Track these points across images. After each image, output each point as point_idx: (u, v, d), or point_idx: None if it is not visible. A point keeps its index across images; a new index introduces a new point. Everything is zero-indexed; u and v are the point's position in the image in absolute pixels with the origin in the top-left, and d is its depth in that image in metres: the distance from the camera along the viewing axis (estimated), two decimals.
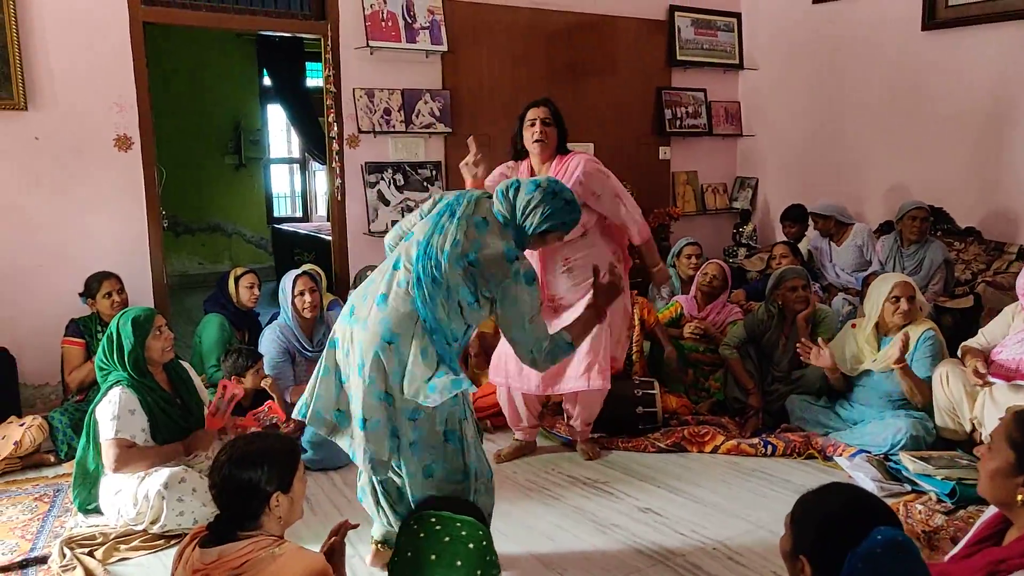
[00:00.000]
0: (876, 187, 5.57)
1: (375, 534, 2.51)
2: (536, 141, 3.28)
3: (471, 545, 1.32)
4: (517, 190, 2.36)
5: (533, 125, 3.30)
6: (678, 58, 6.10)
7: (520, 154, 3.41)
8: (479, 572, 1.31)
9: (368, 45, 4.79)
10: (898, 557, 1.30)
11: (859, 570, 1.31)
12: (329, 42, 4.78)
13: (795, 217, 5.50)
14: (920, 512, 2.88)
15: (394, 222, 4.98)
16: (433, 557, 1.32)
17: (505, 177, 3.36)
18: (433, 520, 1.36)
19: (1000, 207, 5.02)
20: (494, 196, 2.39)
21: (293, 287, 3.77)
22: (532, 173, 3.39)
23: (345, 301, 4.80)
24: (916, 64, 5.35)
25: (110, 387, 2.89)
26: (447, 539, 1.33)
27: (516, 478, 3.44)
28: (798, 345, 3.71)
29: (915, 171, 5.43)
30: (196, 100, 8.70)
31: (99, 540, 2.80)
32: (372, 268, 4.44)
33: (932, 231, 4.89)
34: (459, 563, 1.31)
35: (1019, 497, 1.60)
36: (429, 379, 2.16)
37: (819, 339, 3.74)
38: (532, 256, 3.31)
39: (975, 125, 5.08)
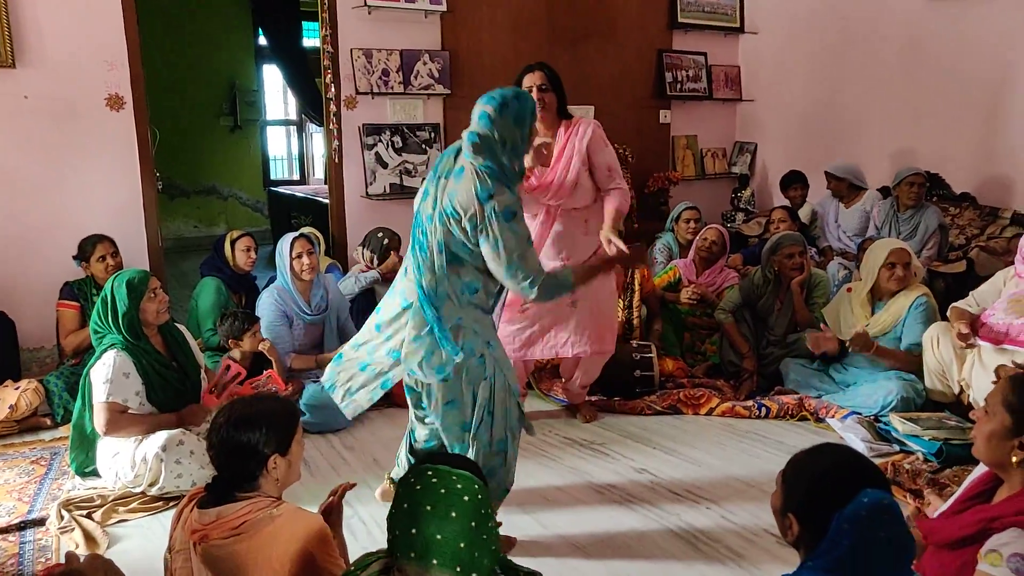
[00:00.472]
0: (874, 153, 5.54)
1: (392, 473, 2.77)
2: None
3: (466, 498, 1.34)
4: (478, 136, 2.25)
5: (530, 92, 3.22)
6: (679, 21, 6.03)
7: None
8: (473, 524, 1.33)
9: (366, 4, 4.72)
10: (882, 519, 1.33)
11: (844, 531, 1.33)
12: (326, 1, 4.70)
13: (800, 181, 5.50)
14: (907, 471, 2.92)
15: (392, 184, 5.00)
16: (428, 508, 1.34)
17: None
18: (430, 473, 1.38)
19: (995, 173, 5.01)
20: (464, 153, 2.31)
21: (291, 250, 3.76)
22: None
23: (343, 265, 4.84)
24: (918, 31, 5.28)
25: (105, 350, 2.88)
26: (443, 491, 1.35)
27: None
28: (808, 340, 3.69)
29: (913, 137, 5.39)
30: (189, 60, 8.60)
31: (97, 502, 2.83)
32: (382, 230, 4.46)
33: (928, 196, 4.89)
34: (454, 514, 1.33)
35: (1014, 459, 1.62)
36: (416, 347, 2.32)
37: (822, 324, 3.76)
38: (539, 222, 3.27)
39: (974, 93, 5.05)
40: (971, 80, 5.04)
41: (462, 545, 1.32)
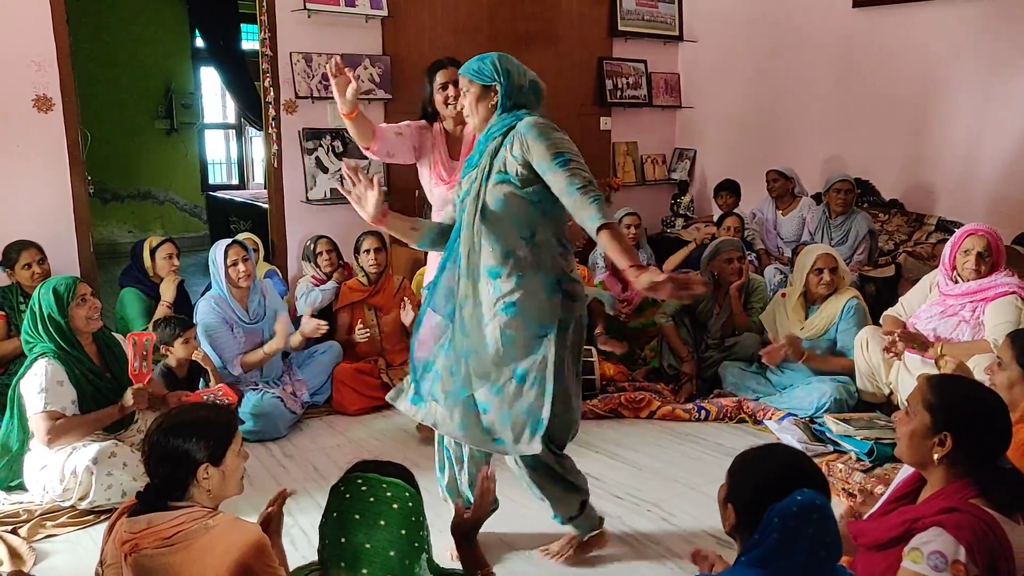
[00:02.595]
0: (810, 160, 5.70)
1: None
2: (449, 105, 3.05)
3: (396, 506, 1.34)
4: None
5: (445, 89, 3.05)
6: (620, 29, 6.11)
7: (431, 116, 3.14)
8: (403, 532, 1.32)
9: (305, 8, 4.66)
10: (810, 517, 1.38)
11: (775, 524, 1.39)
12: (264, 3, 4.63)
13: (730, 188, 5.63)
14: (840, 470, 3.02)
15: (333, 190, 4.94)
16: (357, 517, 1.33)
17: (419, 131, 3.08)
18: (360, 481, 1.38)
19: (921, 180, 5.21)
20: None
21: (225, 258, 3.68)
22: (447, 136, 3.13)
23: (282, 271, 4.75)
24: (847, 41, 5.47)
25: (35, 359, 2.79)
26: (372, 500, 1.35)
27: None
28: (763, 355, 3.66)
29: (846, 144, 5.57)
30: (123, 62, 8.38)
31: (23, 517, 2.73)
32: (323, 238, 4.41)
33: (858, 203, 5.05)
34: (383, 523, 1.32)
35: (935, 456, 1.68)
36: None
37: (771, 337, 3.86)
38: None
39: (900, 101, 5.24)
40: (898, 89, 5.23)
41: (392, 554, 1.31)
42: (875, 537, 1.74)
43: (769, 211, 5.39)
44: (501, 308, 2.22)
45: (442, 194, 3.10)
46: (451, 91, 3.01)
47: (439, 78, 3.06)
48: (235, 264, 3.66)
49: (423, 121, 3.15)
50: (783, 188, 5.27)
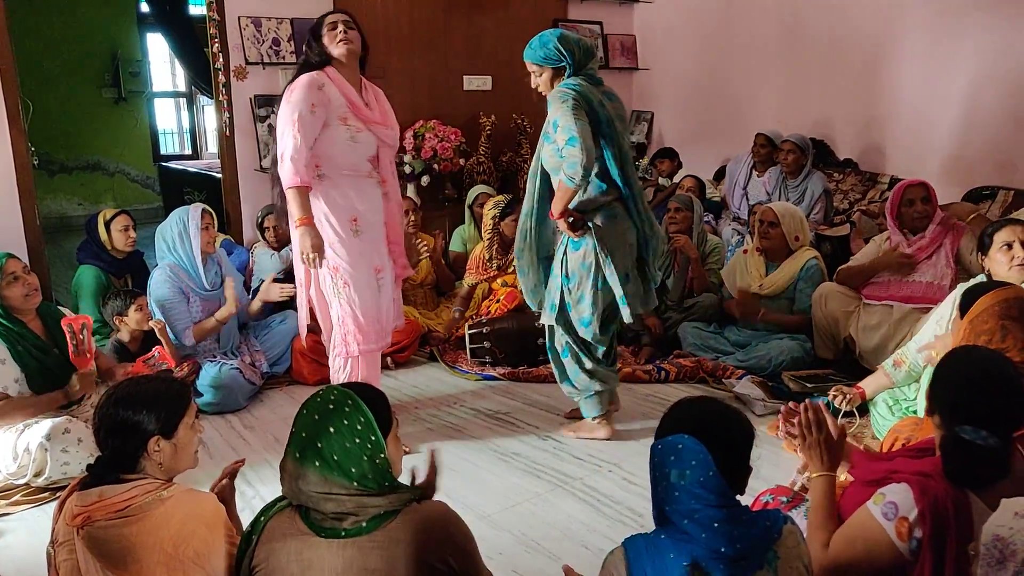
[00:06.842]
0: (767, 121, 5.72)
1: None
2: (341, 41, 2.91)
3: (346, 422, 1.51)
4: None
5: (335, 27, 2.93)
6: None
7: (317, 66, 2.94)
8: (356, 441, 1.51)
9: None
10: (667, 458, 1.43)
11: (650, 460, 1.48)
12: None
13: (668, 155, 5.76)
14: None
15: None
16: (316, 417, 1.53)
17: (318, 92, 2.87)
18: (334, 391, 1.57)
19: (874, 140, 5.27)
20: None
21: (202, 220, 3.59)
22: (344, 74, 2.97)
23: (237, 240, 4.67)
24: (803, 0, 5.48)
25: None
26: (331, 407, 1.54)
27: (419, 413, 3.46)
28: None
29: (803, 105, 5.60)
30: (65, 29, 8.09)
31: None
32: (271, 213, 4.33)
33: (815, 163, 5.09)
34: (332, 430, 1.51)
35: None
36: None
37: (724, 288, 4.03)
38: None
39: (854, 61, 5.27)
40: (849, 50, 5.26)
41: (335, 458, 1.49)
42: (865, 474, 1.81)
43: (744, 170, 5.32)
44: None
45: (368, 139, 3.00)
46: (340, 28, 2.93)
47: (330, 18, 2.97)
48: (207, 228, 3.60)
49: (311, 76, 2.90)
50: (767, 154, 5.20)
